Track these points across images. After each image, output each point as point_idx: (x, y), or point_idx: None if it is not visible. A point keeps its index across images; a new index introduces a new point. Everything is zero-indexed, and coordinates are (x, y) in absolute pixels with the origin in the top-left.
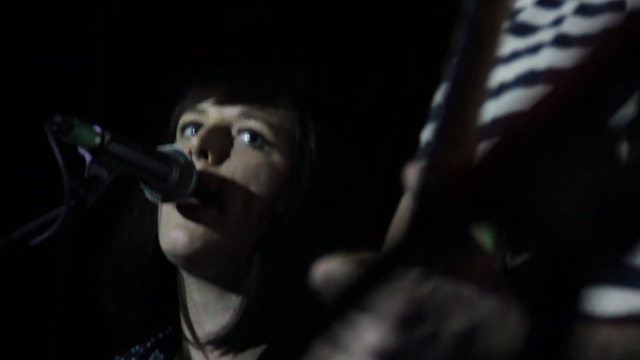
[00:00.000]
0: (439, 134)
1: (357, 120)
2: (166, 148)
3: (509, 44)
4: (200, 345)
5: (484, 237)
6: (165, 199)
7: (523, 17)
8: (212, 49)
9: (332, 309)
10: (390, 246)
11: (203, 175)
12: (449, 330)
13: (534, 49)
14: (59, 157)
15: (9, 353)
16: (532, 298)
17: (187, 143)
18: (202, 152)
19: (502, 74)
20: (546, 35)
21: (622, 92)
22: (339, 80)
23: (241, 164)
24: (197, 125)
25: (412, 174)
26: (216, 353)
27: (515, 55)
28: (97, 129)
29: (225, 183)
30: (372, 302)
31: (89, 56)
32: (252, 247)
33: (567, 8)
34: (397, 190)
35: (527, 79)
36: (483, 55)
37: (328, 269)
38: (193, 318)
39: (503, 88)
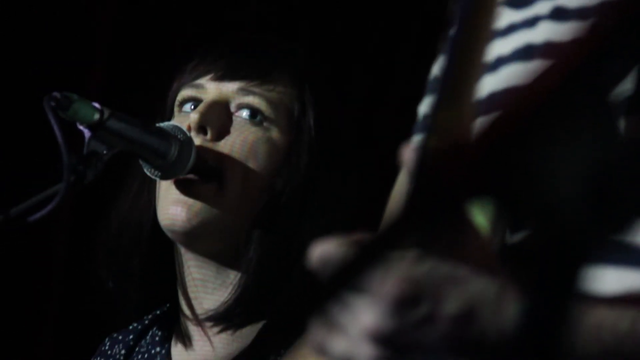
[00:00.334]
0: (436, 108)
1: (355, 96)
2: (165, 124)
3: (506, 16)
4: (198, 322)
5: (480, 216)
6: (164, 176)
7: None
8: (212, 28)
9: (328, 291)
10: (386, 227)
11: (202, 151)
12: (445, 311)
13: (531, 22)
14: (58, 133)
15: (8, 329)
16: (529, 277)
17: (185, 118)
18: (202, 128)
19: (499, 47)
20: (543, 7)
21: (620, 67)
22: (337, 56)
23: (240, 140)
24: (195, 101)
25: (408, 153)
26: (215, 329)
27: (512, 29)
28: (96, 105)
29: (224, 159)
30: (368, 284)
31: (90, 36)
32: (250, 223)
33: None
34: (395, 167)
35: (524, 53)
36: (480, 28)
37: (324, 251)
38: (191, 294)
39: (500, 62)
